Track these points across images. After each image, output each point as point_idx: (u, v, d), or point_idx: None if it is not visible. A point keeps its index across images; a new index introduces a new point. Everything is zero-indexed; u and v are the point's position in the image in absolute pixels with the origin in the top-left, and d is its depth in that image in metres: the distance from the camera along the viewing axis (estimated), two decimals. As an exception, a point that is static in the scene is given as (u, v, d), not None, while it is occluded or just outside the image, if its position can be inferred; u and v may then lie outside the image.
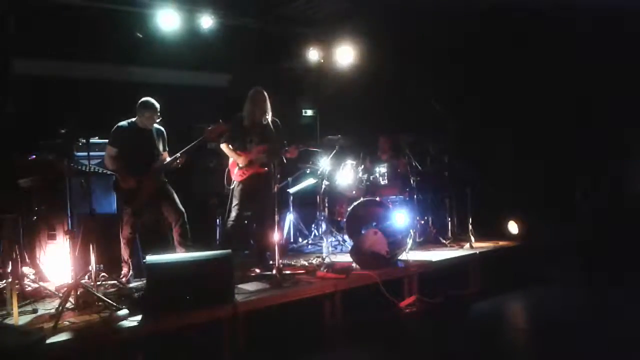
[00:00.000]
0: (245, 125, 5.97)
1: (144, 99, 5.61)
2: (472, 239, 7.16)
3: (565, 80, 8.00)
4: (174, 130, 5.97)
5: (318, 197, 7.41)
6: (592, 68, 7.75)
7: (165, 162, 5.67)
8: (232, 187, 6.04)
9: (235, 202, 5.99)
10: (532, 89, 8.22)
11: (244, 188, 5.97)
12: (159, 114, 5.63)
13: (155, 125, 5.72)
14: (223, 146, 6.03)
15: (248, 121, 5.97)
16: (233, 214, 5.98)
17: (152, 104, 5.60)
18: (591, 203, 8.26)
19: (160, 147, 5.75)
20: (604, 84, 7.81)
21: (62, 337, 4.02)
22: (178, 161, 5.64)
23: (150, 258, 4.62)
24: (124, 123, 5.61)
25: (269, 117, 5.95)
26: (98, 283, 5.10)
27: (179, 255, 5.26)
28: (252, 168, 5.94)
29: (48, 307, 4.74)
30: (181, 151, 5.62)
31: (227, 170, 6.10)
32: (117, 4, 7.23)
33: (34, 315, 4.53)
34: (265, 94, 5.97)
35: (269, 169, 5.92)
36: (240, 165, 5.93)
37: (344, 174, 7.55)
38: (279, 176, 5.89)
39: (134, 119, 5.64)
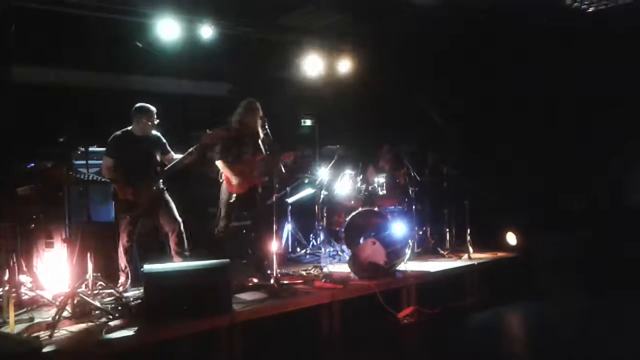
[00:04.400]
0: (239, 136, 5.93)
1: (138, 104, 5.62)
2: (471, 249, 7.15)
3: (563, 87, 8.05)
4: (174, 139, 5.96)
5: (316, 207, 7.42)
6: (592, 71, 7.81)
7: (170, 166, 5.65)
8: (222, 195, 5.97)
9: (223, 211, 5.94)
10: (531, 99, 8.26)
11: (235, 200, 5.89)
12: (155, 117, 5.64)
13: (152, 132, 5.72)
14: (219, 163, 5.88)
15: (242, 132, 5.92)
16: (222, 223, 5.94)
17: (148, 108, 5.61)
18: (589, 212, 8.27)
19: (159, 154, 5.73)
20: (603, 89, 7.86)
21: (59, 346, 4.01)
22: (186, 161, 5.61)
23: (148, 267, 4.61)
24: (119, 133, 5.60)
25: (262, 128, 5.92)
26: (95, 292, 5.08)
27: (177, 264, 5.25)
28: (250, 180, 5.91)
29: (45, 315, 4.72)
30: (181, 156, 5.62)
31: (222, 183, 5.99)
32: (117, 14, 7.25)
33: (30, 324, 4.51)
34: (258, 104, 5.94)
35: (264, 179, 5.90)
36: (234, 183, 5.85)
37: (342, 183, 7.55)
38: (277, 186, 5.88)
39: (129, 128, 5.63)
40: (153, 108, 5.63)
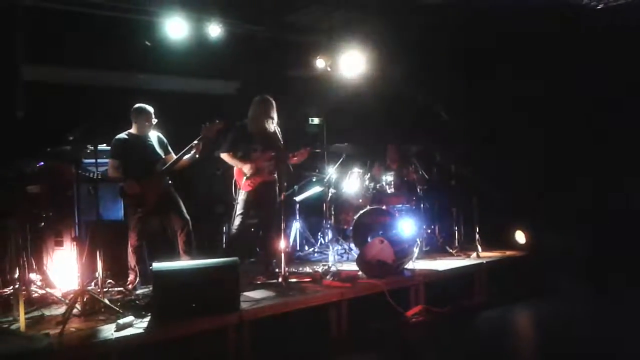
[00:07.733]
0: (250, 132, 5.94)
1: (136, 105, 5.68)
2: (479, 248, 7.13)
3: (570, 87, 8.00)
4: (181, 138, 5.97)
5: (324, 205, 7.41)
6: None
7: (172, 161, 5.66)
8: (238, 195, 6.02)
9: (239, 210, 5.96)
10: (539, 96, 8.22)
11: (250, 197, 5.93)
12: (154, 116, 5.69)
13: (153, 132, 5.76)
14: (224, 156, 5.95)
15: (253, 128, 5.93)
16: (237, 221, 5.96)
17: (146, 108, 5.67)
18: (600, 210, 8.22)
19: (162, 153, 5.77)
20: (610, 86, 7.80)
21: (68, 343, 4.03)
22: (188, 157, 5.62)
23: (157, 265, 4.62)
24: (121, 135, 5.66)
25: (274, 124, 5.93)
26: (104, 290, 5.11)
27: (186, 262, 5.26)
28: (260, 176, 5.92)
29: (54, 313, 4.76)
30: (180, 153, 5.63)
31: (234, 180, 6.05)
32: (126, 13, 7.28)
33: (40, 322, 4.55)
34: (272, 100, 5.95)
35: (277, 176, 5.92)
36: (247, 174, 5.88)
37: (350, 182, 7.55)
38: (285, 184, 5.89)
39: (131, 130, 5.70)
40: (150, 108, 5.69)
